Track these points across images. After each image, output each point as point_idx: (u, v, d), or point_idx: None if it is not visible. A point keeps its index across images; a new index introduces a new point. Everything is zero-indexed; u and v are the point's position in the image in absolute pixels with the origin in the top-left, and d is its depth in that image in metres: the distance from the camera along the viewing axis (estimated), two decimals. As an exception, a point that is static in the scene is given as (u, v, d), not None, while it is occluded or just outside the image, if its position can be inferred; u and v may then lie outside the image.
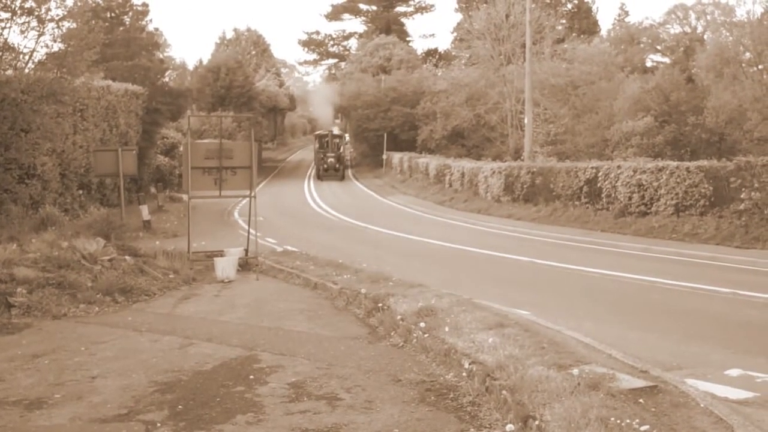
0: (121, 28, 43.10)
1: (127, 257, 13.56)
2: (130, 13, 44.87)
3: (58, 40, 19.05)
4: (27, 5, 18.52)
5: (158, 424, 6.13)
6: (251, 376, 7.51)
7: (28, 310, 10.50)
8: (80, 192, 24.15)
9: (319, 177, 56.19)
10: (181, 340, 9.09)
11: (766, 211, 18.83)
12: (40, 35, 18.86)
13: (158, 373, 7.60)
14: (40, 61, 19.12)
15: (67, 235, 14.27)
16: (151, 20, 68.16)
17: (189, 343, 8.97)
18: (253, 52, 78.17)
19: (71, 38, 18.84)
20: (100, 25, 21.56)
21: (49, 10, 18.83)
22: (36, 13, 18.60)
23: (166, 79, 49.31)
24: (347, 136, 70.20)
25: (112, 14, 43.04)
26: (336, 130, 63.96)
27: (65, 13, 19.17)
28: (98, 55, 20.69)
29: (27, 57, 18.98)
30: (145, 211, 22.98)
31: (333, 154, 56.82)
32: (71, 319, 10.47)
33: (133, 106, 30.54)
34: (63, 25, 19.07)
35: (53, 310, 10.61)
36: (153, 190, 32.44)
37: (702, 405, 5.94)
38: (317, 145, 59.71)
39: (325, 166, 56.50)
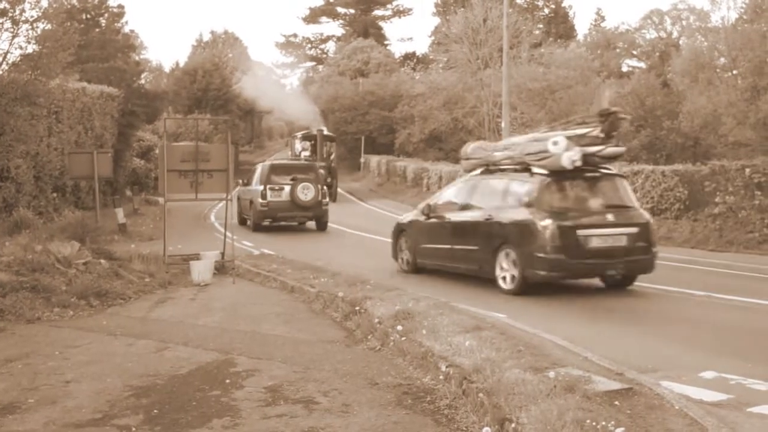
0: (97, 30, 42.93)
1: (102, 261, 13.46)
2: (106, 15, 44.71)
3: (33, 41, 18.91)
4: (0, 6, 18.36)
5: (133, 429, 6.08)
6: (227, 380, 7.47)
7: (1, 314, 10.37)
8: (55, 195, 23.93)
9: None
10: (156, 344, 9.03)
11: (740, 214, 19.02)
12: (14, 37, 18.70)
13: (133, 378, 7.55)
14: (14, 63, 18.95)
15: (41, 239, 14.16)
16: (126, 22, 67.72)
17: (165, 347, 8.91)
18: (230, 55, 77.89)
19: (46, 40, 18.69)
20: (75, 27, 21.45)
21: (23, 11, 18.68)
22: (10, 15, 18.44)
23: (142, 82, 49.13)
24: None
25: (88, 16, 42.84)
26: (326, 130, 46.13)
27: (40, 14, 19.02)
28: (73, 56, 20.54)
29: (0, 59, 18.82)
30: (120, 214, 22.81)
31: (323, 164, 38.31)
32: (45, 323, 10.37)
33: (108, 109, 30.32)
34: (37, 27, 18.92)
35: (27, 314, 10.51)
36: (129, 193, 32.22)
37: (677, 407, 5.99)
38: (300, 150, 43.14)
39: None
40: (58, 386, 7.31)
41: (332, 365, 8.03)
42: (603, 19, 74.76)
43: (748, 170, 19.10)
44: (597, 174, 12.78)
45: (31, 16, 18.80)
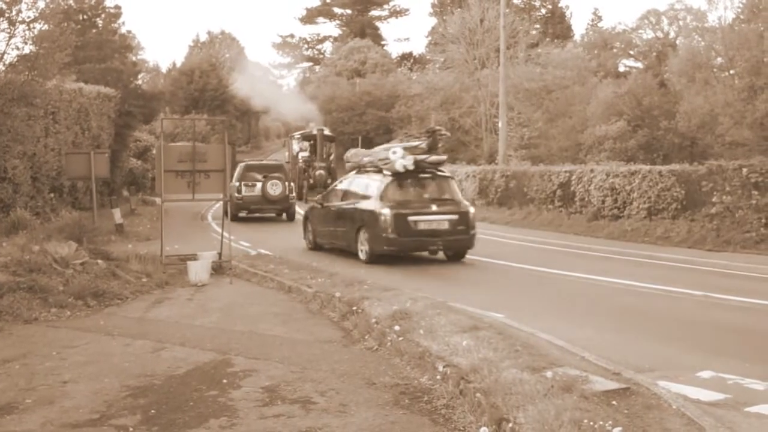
0: (94, 31, 42.82)
1: (99, 261, 13.45)
2: (103, 16, 44.60)
3: (30, 42, 18.85)
4: (-3, 7, 18.32)
5: (131, 429, 6.08)
6: (224, 380, 7.47)
7: (-1, 315, 10.37)
8: (52, 195, 23.88)
9: (303, 198, 36.78)
10: (153, 344, 9.03)
11: (738, 214, 19.03)
12: (10, 37, 18.65)
13: (131, 378, 7.54)
14: (10, 64, 18.91)
15: (38, 239, 14.15)
16: (123, 22, 67.57)
17: (162, 347, 8.90)
18: (227, 55, 77.88)
19: (43, 40, 18.65)
20: (72, 28, 21.39)
21: (20, 11, 18.62)
22: (6, 15, 18.39)
23: (139, 82, 49.03)
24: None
25: (85, 16, 42.74)
26: (327, 130, 44.60)
27: (37, 15, 18.95)
28: (70, 57, 20.49)
29: (-3, 59, 18.79)
30: (117, 214, 22.79)
31: (323, 164, 39.01)
32: (42, 323, 10.36)
33: (105, 109, 30.28)
34: (34, 27, 18.85)
35: (24, 314, 10.49)
36: (126, 193, 32.21)
37: (674, 407, 5.99)
38: (298, 150, 42.56)
39: (312, 180, 39.01)
40: (55, 386, 7.30)
41: (329, 365, 8.03)
42: (600, 19, 75.06)
43: (745, 170, 19.09)
44: (429, 175, 16.90)
45: (28, 17, 18.75)
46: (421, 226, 16.07)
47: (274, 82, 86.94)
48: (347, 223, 17.29)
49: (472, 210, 16.95)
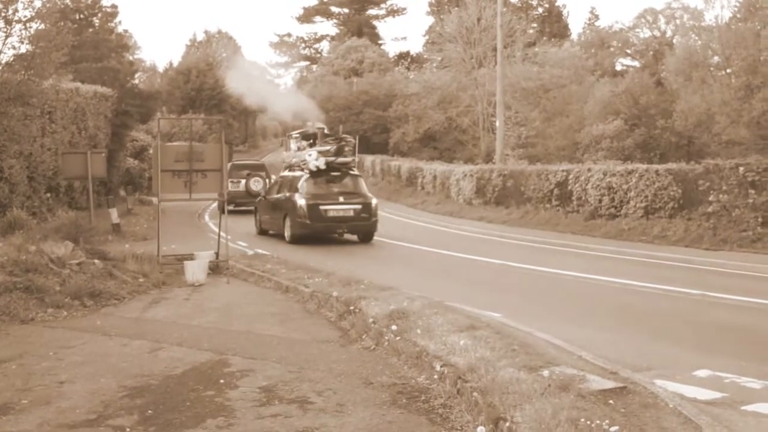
0: (90, 30, 42.83)
1: (96, 261, 13.42)
2: (99, 15, 44.60)
3: (26, 41, 18.82)
4: (-7, 7, 18.28)
5: (128, 429, 6.07)
6: (222, 380, 7.46)
7: (-5, 315, 10.35)
8: (48, 195, 23.84)
9: None
10: (150, 345, 9.01)
11: (734, 213, 19.05)
12: (7, 37, 18.62)
13: (128, 378, 7.53)
14: (7, 63, 18.87)
15: (34, 239, 14.10)
16: (120, 22, 67.50)
17: (159, 347, 8.89)
18: (224, 54, 77.80)
19: (39, 40, 18.62)
20: (68, 27, 21.34)
21: (16, 11, 18.59)
22: (3, 15, 18.35)
23: (136, 81, 49.09)
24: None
25: (81, 16, 42.74)
26: (327, 129, 42.64)
27: (33, 14, 18.92)
28: (67, 56, 20.46)
29: (-7, 59, 18.75)
30: (114, 214, 22.76)
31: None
32: (39, 323, 10.34)
33: (102, 109, 30.23)
34: (31, 27, 18.82)
35: (21, 314, 10.47)
36: (122, 193, 32.14)
37: (671, 405, 5.99)
38: (296, 149, 37.05)
39: None
40: (52, 387, 7.29)
41: (327, 365, 8.02)
42: (597, 18, 75.20)
43: (741, 169, 19.10)
44: (339, 173, 21.06)
45: (25, 16, 18.72)
46: (331, 214, 20.04)
47: (271, 81, 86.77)
48: (277, 211, 21.36)
49: (374, 201, 20.88)
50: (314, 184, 20.48)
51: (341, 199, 20.32)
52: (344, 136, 22.11)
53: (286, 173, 22.34)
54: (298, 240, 20.05)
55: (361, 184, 21.32)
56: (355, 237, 21.40)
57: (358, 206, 20.32)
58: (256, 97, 53.65)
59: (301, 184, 20.41)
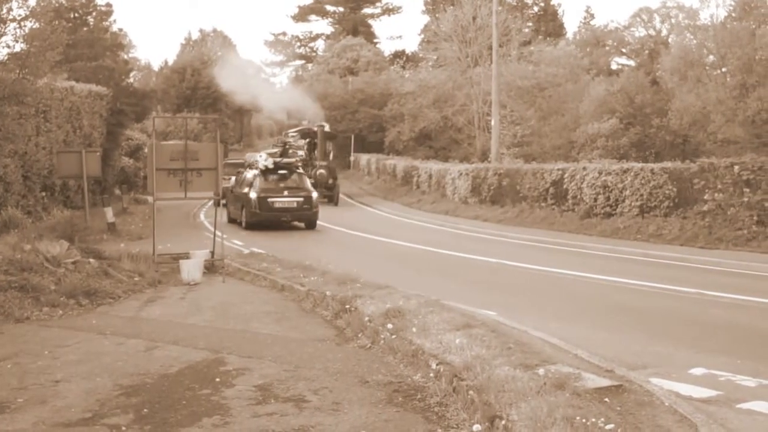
0: (85, 29, 42.78)
1: (91, 260, 13.40)
2: (94, 14, 44.56)
3: (20, 40, 18.73)
4: (-13, 5, 18.22)
5: (123, 428, 6.06)
6: (217, 379, 7.46)
7: (-10, 314, 10.33)
8: (43, 194, 23.78)
9: None
10: (146, 343, 9.00)
11: (729, 212, 19.08)
12: (1, 35, 18.54)
13: (123, 377, 7.52)
14: (1, 62, 18.79)
15: (29, 238, 14.07)
16: (115, 21, 67.63)
17: (154, 346, 8.88)
18: (219, 53, 77.69)
19: (34, 39, 18.54)
20: (63, 26, 21.17)
21: (10, 9, 18.51)
22: (-3, 13, 18.31)
23: (131, 80, 49.02)
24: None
25: (76, 14, 42.67)
26: (327, 126, 41.47)
27: (27, 13, 18.85)
28: (61, 55, 20.36)
29: (-12, 57, 18.68)
30: (109, 213, 22.71)
31: (324, 163, 36.94)
32: (34, 322, 10.32)
33: (97, 108, 30.17)
34: (25, 26, 18.74)
35: (16, 313, 10.45)
36: (117, 191, 32.07)
37: (666, 404, 6.00)
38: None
39: (312, 180, 32.94)
40: (47, 386, 7.28)
41: (322, 364, 8.02)
42: (592, 16, 74.96)
43: (737, 167, 19.13)
44: (286, 171, 25.12)
45: (19, 15, 18.64)
46: (277, 205, 24.01)
47: (267, 80, 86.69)
48: (238, 203, 25.21)
49: (315, 195, 24.89)
50: (265, 181, 24.38)
51: (286, 193, 24.26)
52: (287, 140, 28.32)
53: (247, 171, 26.03)
54: (251, 226, 23.73)
55: (304, 180, 25.42)
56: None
57: (301, 199, 24.33)
58: (247, 93, 53.16)
59: (254, 180, 24.30)
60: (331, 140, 41.71)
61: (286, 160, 26.48)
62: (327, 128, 40.34)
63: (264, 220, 23.97)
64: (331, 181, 36.33)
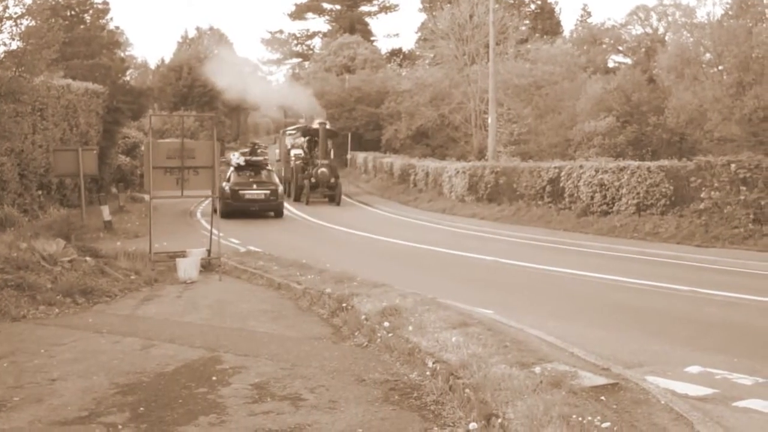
0: (82, 27, 42.69)
1: (87, 258, 13.39)
2: (91, 11, 44.47)
3: (17, 38, 18.68)
4: (-17, 3, 18.17)
5: (120, 426, 6.06)
6: (214, 377, 7.46)
7: (-14, 313, 10.31)
8: (40, 192, 23.77)
9: (300, 199, 35.39)
10: (142, 342, 9.00)
11: (726, 210, 19.10)
12: (-3, 33, 18.52)
13: (119, 375, 7.52)
14: (-3, 60, 18.78)
15: (26, 236, 14.05)
16: (111, 18, 67.47)
17: (151, 344, 8.88)
18: (216, 51, 77.59)
19: (30, 36, 18.50)
20: (59, 24, 21.15)
21: (6, 7, 18.48)
22: (-7, 11, 18.26)
23: (128, 78, 48.84)
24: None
25: (72, 12, 42.59)
26: (328, 124, 40.22)
27: (24, 10, 18.81)
28: (58, 53, 20.32)
29: (-16, 56, 18.63)
30: (106, 211, 22.69)
31: (326, 162, 35.40)
32: (30, 321, 10.31)
33: (93, 106, 30.14)
34: (21, 23, 18.71)
35: (12, 312, 10.44)
36: (114, 190, 32.05)
37: (662, 402, 6.01)
38: (290, 146, 40.40)
39: (314, 179, 35.05)
40: (44, 384, 7.27)
41: (319, 362, 8.02)
42: (589, 14, 75.27)
43: (733, 166, 19.15)
44: (257, 167, 28.98)
45: (15, 13, 18.60)
46: (247, 196, 27.73)
47: (263, 78, 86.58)
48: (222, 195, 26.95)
49: (281, 188, 29.27)
50: (238, 176, 28.28)
51: (255, 186, 28.09)
52: (256, 142, 34.76)
53: (227, 168, 28.92)
54: (225, 215, 24.78)
55: (272, 176, 29.47)
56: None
57: (268, 191, 28.20)
58: (240, 90, 52.36)
59: (228, 175, 27.92)
60: (333, 138, 40.62)
61: (255, 158, 29.87)
62: (328, 126, 39.28)
63: (236, 209, 27.00)
64: (332, 180, 35.06)
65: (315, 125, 38.37)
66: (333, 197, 35.17)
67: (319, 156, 35.53)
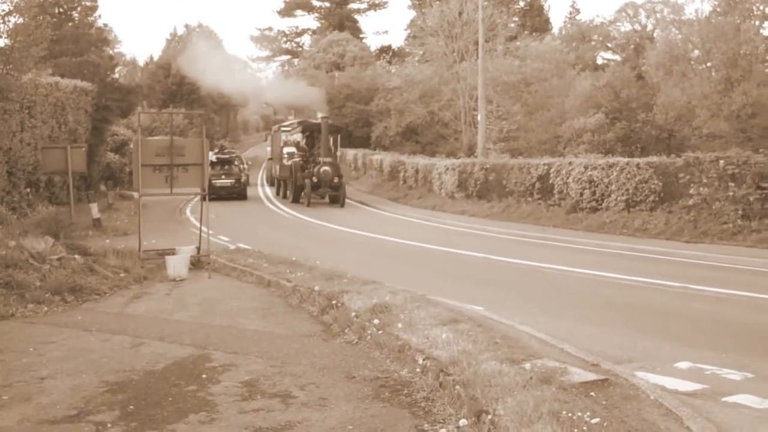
0: (70, 24, 42.44)
1: (76, 256, 13.34)
2: (79, 9, 44.20)
3: (4, 35, 18.61)
4: (-29, 1, 18.09)
5: (109, 425, 6.04)
6: (204, 375, 7.44)
7: (-26, 311, 10.25)
8: (28, 190, 23.64)
9: (299, 200, 32.95)
10: (132, 340, 8.97)
11: (714, 206, 19.17)
12: (-15, 31, 18.43)
13: (109, 373, 7.50)
14: (-15, 57, 18.69)
15: (14, 234, 13.98)
16: (100, 16, 67.18)
17: (140, 342, 8.85)
18: (205, 49, 77.35)
19: (18, 34, 18.42)
20: (47, 21, 21.04)
21: (-6, 5, 18.41)
22: (-20, 9, 18.17)
23: (116, 76, 48.63)
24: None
25: (60, 9, 42.33)
26: (331, 118, 38.14)
27: (11, 8, 18.74)
28: (46, 51, 20.25)
29: (-29, 53, 18.54)
30: (94, 209, 22.61)
31: (329, 160, 32.28)
32: (19, 319, 10.27)
33: (82, 103, 30.01)
34: (9, 21, 18.65)
35: (0, 310, 10.39)
36: (103, 187, 31.93)
37: (652, 397, 6.03)
38: (283, 144, 38.12)
39: (315, 179, 31.91)
40: (32, 383, 7.24)
41: (309, 359, 8.02)
42: (578, 12, 75.30)
43: (722, 162, 19.22)
44: (226, 162, 37.03)
45: (3, 10, 18.53)
46: (218, 184, 33.78)
47: (253, 75, 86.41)
48: None
49: (243, 178, 36.55)
50: (212, 168, 33.36)
51: (223, 176, 35.38)
52: (224, 143, 38.79)
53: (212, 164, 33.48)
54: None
55: (236, 170, 36.78)
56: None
57: (234, 180, 35.73)
58: (211, 75, 51.08)
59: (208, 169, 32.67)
60: (337, 134, 38.14)
61: (223, 155, 38.11)
62: (330, 121, 36.14)
63: (210, 194, 28.74)
64: (336, 179, 31.82)
65: (317, 119, 36.69)
66: (336, 198, 32.24)
67: (322, 153, 32.46)
